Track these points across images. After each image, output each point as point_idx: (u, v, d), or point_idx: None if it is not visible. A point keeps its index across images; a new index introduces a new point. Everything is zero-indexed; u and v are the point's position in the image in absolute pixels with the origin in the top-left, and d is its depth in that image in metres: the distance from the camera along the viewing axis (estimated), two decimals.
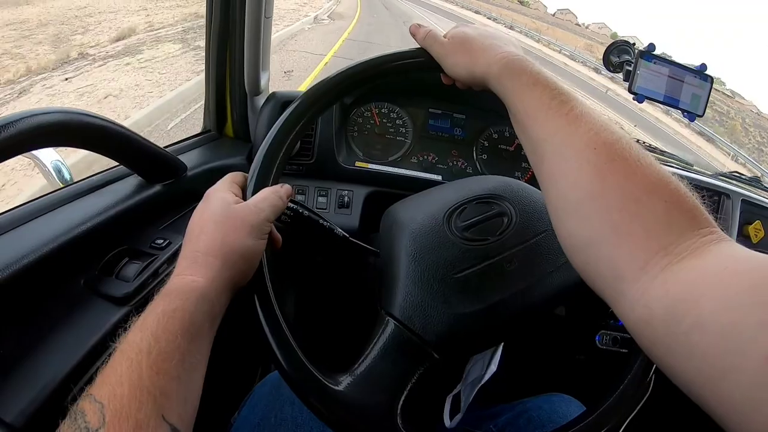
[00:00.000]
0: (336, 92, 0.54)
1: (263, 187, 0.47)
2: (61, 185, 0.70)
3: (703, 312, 0.28)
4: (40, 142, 0.53)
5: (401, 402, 0.46)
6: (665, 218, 0.33)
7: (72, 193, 0.65)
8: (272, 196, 0.46)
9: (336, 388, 0.44)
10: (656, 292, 0.31)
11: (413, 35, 0.54)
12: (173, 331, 0.35)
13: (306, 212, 0.59)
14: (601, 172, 0.36)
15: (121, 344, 0.34)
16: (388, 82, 0.56)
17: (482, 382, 0.68)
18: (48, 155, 0.70)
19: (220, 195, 0.45)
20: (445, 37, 0.52)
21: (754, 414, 0.24)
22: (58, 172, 0.71)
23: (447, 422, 0.69)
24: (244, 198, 0.46)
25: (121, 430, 0.30)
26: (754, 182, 1.33)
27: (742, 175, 1.37)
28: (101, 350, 0.54)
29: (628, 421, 0.48)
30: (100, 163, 0.69)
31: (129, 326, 0.36)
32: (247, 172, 0.50)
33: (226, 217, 0.42)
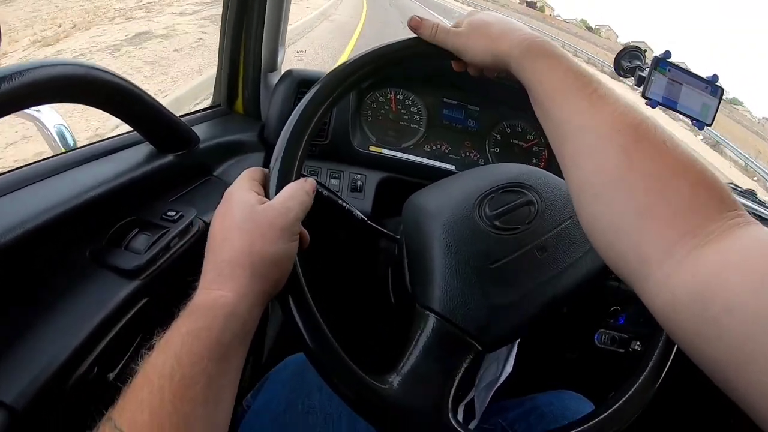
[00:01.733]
0: (351, 81, 0.50)
1: (286, 183, 0.43)
2: (64, 150, 0.66)
3: (731, 296, 0.27)
4: (57, 94, 0.50)
5: (451, 396, 0.46)
6: (692, 200, 0.33)
7: (80, 157, 0.60)
8: (299, 192, 0.42)
9: (386, 388, 0.43)
10: (683, 276, 0.30)
11: (415, 30, 0.50)
12: (199, 353, 0.32)
13: (326, 192, 0.57)
14: (627, 153, 0.35)
15: (144, 366, 0.32)
16: (403, 69, 0.53)
17: (498, 384, 0.67)
18: (51, 118, 0.66)
19: (242, 196, 0.41)
20: (458, 25, 0.50)
21: None
22: (62, 136, 0.67)
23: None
24: (267, 196, 0.42)
25: None
26: (749, 195, 1.36)
27: (738, 187, 1.40)
28: (109, 327, 0.50)
29: (632, 419, 0.48)
30: None
31: (153, 345, 0.33)
32: (260, 153, 0.47)
33: (252, 222, 0.39)
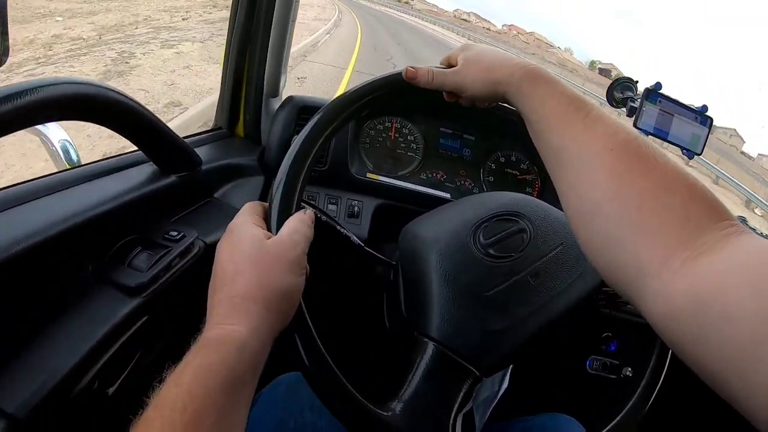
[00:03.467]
0: (348, 114, 0.52)
1: (287, 216, 0.44)
2: (68, 166, 0.66)
3: (729, 302, 0.27)
4: (67, 112, 0.50)
5: (451, 420, 0.48)
6: (683, 213, 0.33)
7: (84, 174, 0.61)
8: (302, 227, 0.43)
9: (389, 415, 0.45)
10: (680, 285, 0.31)
11: (412, 80, 0.52)
12: (211, 387, 0.32)
13: (324, 218, 0.58)
14: (617, 172, 0.37)
15: (155, 399, 0.31)
16: (402, 99, 0.56)
17: (496, 400, 0.68)
18: (56, 134, 0.67)
19: (249, 230, 0.41)
20: (452, 63, 0.52)
21: None
22: (66, 152, 0.67)
23: None
24: (269, 229, 0.43)
25: None
26: (739, 220, 1.40)
27: None
28: (110, 343, 0.51)
29: None
30: None
31: (163, 378, 0.33)
32: (260, 177, 0.48)
33: (263, 256, 0.39)
